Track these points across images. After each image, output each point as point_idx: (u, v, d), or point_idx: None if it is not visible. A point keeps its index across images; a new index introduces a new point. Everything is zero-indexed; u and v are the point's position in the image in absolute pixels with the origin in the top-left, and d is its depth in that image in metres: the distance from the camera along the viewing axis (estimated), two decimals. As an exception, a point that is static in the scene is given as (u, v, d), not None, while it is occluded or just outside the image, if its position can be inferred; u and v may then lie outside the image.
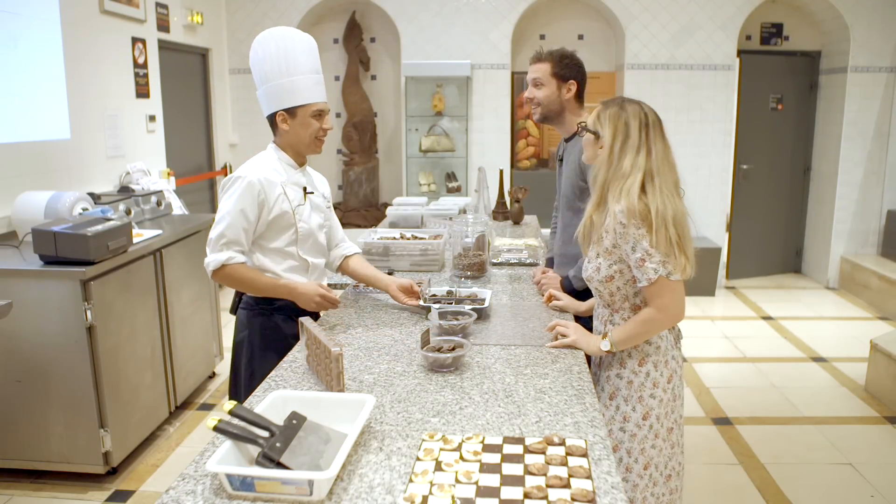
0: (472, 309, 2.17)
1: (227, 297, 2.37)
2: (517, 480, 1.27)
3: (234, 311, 2.32)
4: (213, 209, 5.87)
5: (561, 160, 2.65)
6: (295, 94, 2.11)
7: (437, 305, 2.20)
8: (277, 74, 2.10)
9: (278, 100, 2.12)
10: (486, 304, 2.26)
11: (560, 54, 2.52)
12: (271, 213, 2.12)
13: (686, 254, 1.83)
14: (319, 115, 2.16)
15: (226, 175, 5.95)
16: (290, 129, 2.14)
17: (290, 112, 2.13)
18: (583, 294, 2.48)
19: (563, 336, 1.99)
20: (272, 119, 2.16)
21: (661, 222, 1.77)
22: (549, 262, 2.80)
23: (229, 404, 1.36)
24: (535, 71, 2.53)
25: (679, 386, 1.97)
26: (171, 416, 3.63)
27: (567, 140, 2.59)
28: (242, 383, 2.22)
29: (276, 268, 2.20)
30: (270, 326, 2.21)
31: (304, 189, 2.23)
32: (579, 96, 2.54)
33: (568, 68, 2.51)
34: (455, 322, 2.02)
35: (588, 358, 1.95)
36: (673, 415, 1.94)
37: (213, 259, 2.10)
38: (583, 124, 1.97)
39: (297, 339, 2.11)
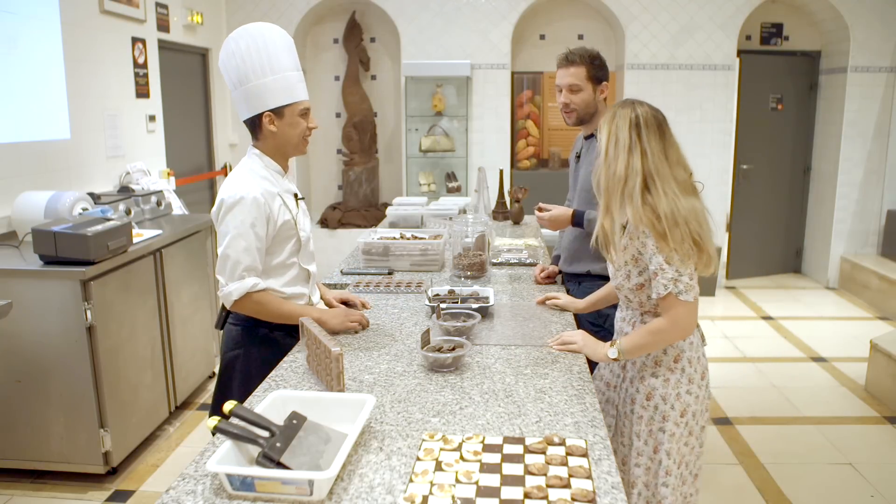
0: (478, 307, 2.18)
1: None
2: (517, 480, 1.28)
3: (220, 325, 2.15)
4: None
5: (578, 157, 2.64)
6: (282, 93, 2.01)
7: (442, 304, 2.20)
8: (260, 73, 2.00)
9: (262, 100, 2.01)
10: (492, 303, 2.27)
11: (591, 56, 2.49)
12: (276, 227, 2.03)
13: (707, 250, 1.80)
14: (305, 113, 2.07)
15: (226, 175, 5.95)
16: (278, 130, 2.03)
17: (277, 112, 2.02)
18: (581, 292, 2.48)
19: (571, 343, 1.98)
20: (255, 122, 2.04)
21: (671, 223, 1.74)
22: (556, 259, 2.78)
23: (229, 404, 1.36)
24: (570, 76, 2.47)
25: (708, 385, 1.96)
26: (171, 416, 3.63)
27: (587, 138, 2.57)
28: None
29: (277, 283, 2.08)
30: (271, 344, 2.07)
31: (296, 196, 2.16)
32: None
33: (601, 70, 2.50)
34: (461, 324, 2.02)
35: (588, 359, 1.94)
36: (706, 413, 1.94)
37: (236, 288, 1.96)
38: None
39: None
